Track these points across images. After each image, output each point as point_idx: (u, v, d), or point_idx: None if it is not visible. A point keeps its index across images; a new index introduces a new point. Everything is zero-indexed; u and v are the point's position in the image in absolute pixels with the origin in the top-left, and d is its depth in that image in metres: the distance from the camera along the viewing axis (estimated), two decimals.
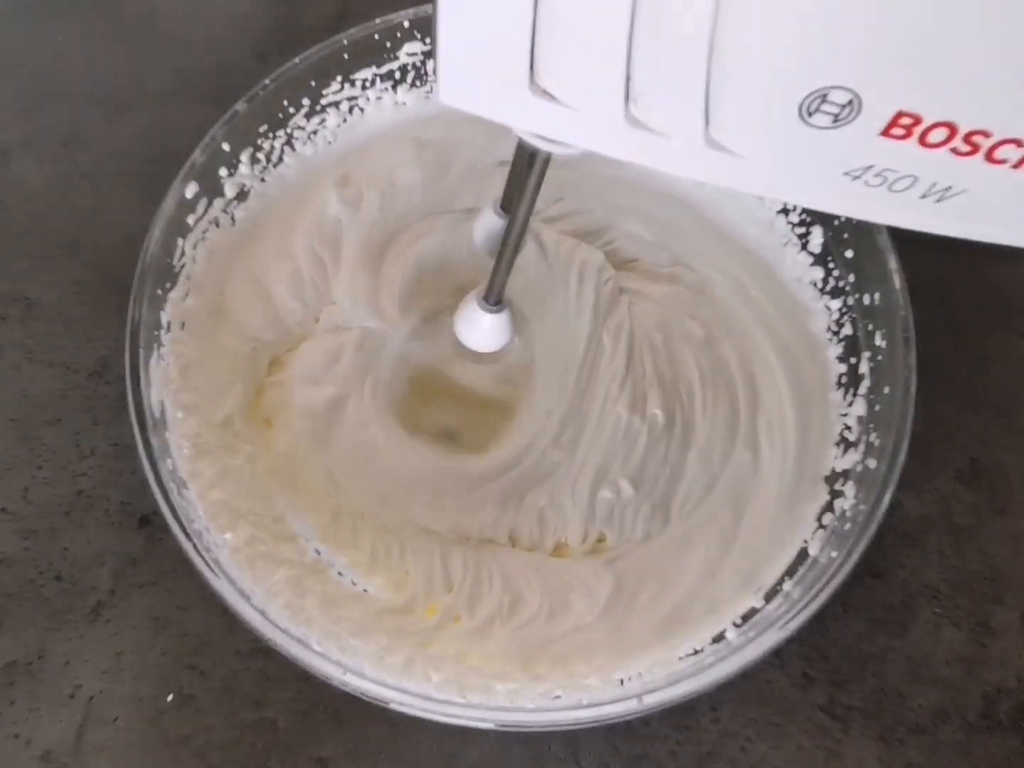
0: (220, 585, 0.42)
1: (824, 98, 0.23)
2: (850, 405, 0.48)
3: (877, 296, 0.47)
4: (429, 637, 0.45)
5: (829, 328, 0.50)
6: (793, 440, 0.48)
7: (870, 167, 0.24)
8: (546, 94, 0.25)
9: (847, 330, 0.49)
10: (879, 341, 0.47)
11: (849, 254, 0.49)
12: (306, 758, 0.45)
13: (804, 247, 0.51)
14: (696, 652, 0.44)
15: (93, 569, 0.48)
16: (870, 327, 0.48)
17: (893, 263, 0.46)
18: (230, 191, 0.50)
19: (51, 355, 0.53)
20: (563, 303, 0.51)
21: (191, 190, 0.48)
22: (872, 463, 0.44)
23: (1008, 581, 0.48)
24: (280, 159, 0.52)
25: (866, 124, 0.23)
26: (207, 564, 0.42)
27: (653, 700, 0.40)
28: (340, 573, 0.47)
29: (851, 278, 0.49)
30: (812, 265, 0.51)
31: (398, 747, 0.45)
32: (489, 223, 0.43)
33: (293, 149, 0.53)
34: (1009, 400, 0.52)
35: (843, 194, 0.25)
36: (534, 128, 0.28)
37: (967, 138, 0.23)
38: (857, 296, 0.49)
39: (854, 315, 0.49)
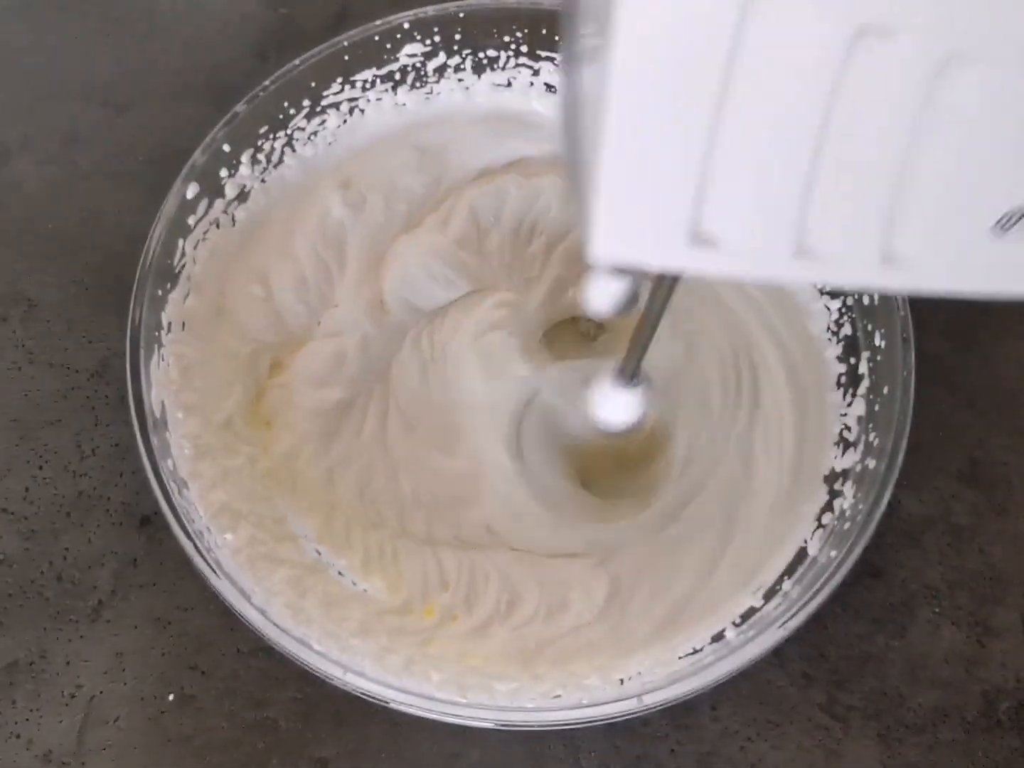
0: (221, 585, 0.42)
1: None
2: (849, 405, 0.48)
3: (876, 296, 0.47)
4: (429, 637, 0.45)
5: (829, 328, 0.50)
6: (790, 440, 0.48)
7: None
8: (708, 241, 0.24)
9: (846, 330, 0.49)
10: (878, 341, 0.47)
11: None
12: (307, 758, 0.45)
13: None
14: (696, 651, 0.44)
15: (94, 569, 0.48)
16: (869, 327, 0.48)
17: None
18: (231, 192, 0.51)
19: (52, 356, 0.53)
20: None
21: (192, 191, 0.48)
22: (871, 463, 0.44)
23: (1008, 581, 0.48)
24: (280, 160, 0.52)
25: None
26: (208, 564, 0.42)
27: (653, 699, 0.40)
28: (340, 573, 0.47)
29: None
30: None
31: (399, 747, 0.45)
32: (604, 284, 0.40)
33: (293, 150, 0.53)
34: (1009, 400, 0.52)
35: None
36: (691, 271, 0.26)
37: None
38: (856, 296, 0.49)
39: (853, 315, 0.49)
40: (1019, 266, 0.24)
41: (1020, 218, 0.23)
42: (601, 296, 0.38)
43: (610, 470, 0.51)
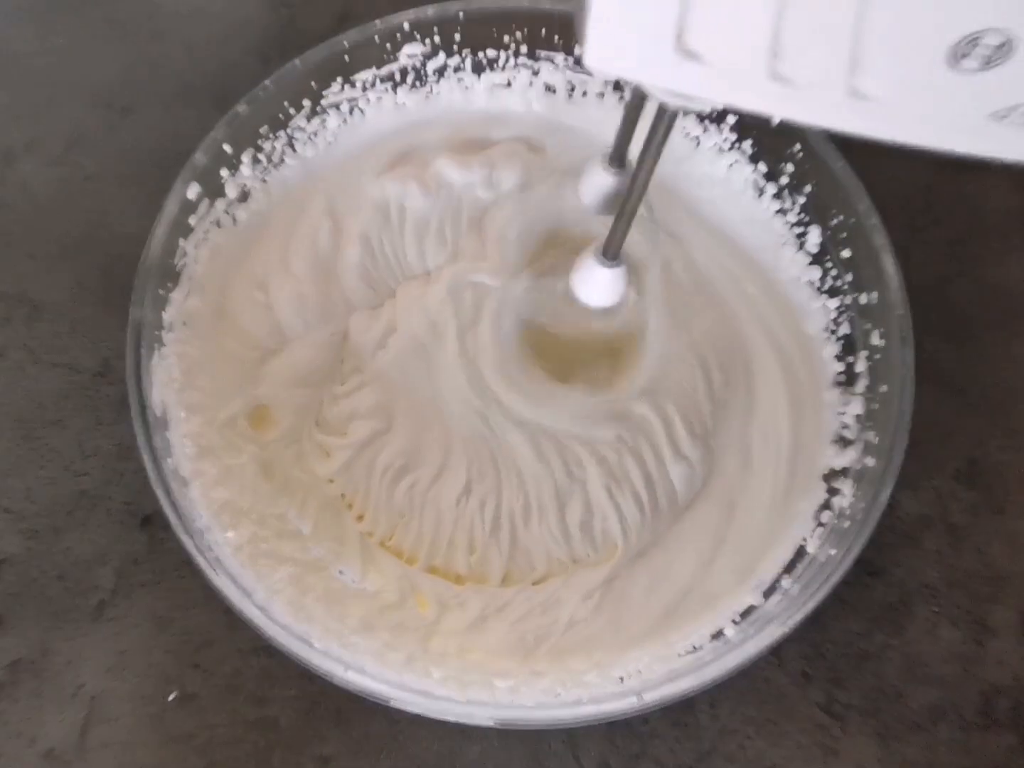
0: (221, 583, 0.42)
1: (976, 41, 0.23)
2: (847, 404, 0.48)
3: (874, 296, 0.47)
4: (429, 632, 0.46)
5: (827, 327, 0.50)
6: (788, 438, 0.49)
7: (1017, 106, 0.24)
8: (691, 54, 0.26)
9: (844, 329, 0.49)
10: (876, 340, 0.47)
11: (846, 254, 0.49)
12: (308, 755, 0.45)
13: (801, 247, 0.51)
14: (695, 649, 0.44)
15: (96, 568, 0.49)
16: (867, 326, 0.48)
17: (889, 263, 0.46)
18: (231, 192, 0.51)
19: (55, 356, 0.53)
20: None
21: (193, 191, 0.48)
22: (870, 461, 0.45)
23: (1005, 580, 0.48)
24: (281, 160, 0.53)
25: (1018, 64, 0.23)
26: (208, 563, 0.42)
27: (652, 697, 0.41)
28: (341, 571, 0.47)
29: (848, 278, 0.49)
30: (809, 265, 0.51)
31: (400, 744, 0.45)
32: (598, 179, 0.43)
33: (294, 150, 0.53)
34: (1007, 400, 0.52)
35: (985, 135, 0.26)
36: (676, 87, 0.28)
37: None
38: (854, 295, 0.49)
39: (851, 314, 0.49)
40: (976, 101, 0.25)
41: (973, 46, 0.23)
42: (591, 189, 0.42)
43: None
